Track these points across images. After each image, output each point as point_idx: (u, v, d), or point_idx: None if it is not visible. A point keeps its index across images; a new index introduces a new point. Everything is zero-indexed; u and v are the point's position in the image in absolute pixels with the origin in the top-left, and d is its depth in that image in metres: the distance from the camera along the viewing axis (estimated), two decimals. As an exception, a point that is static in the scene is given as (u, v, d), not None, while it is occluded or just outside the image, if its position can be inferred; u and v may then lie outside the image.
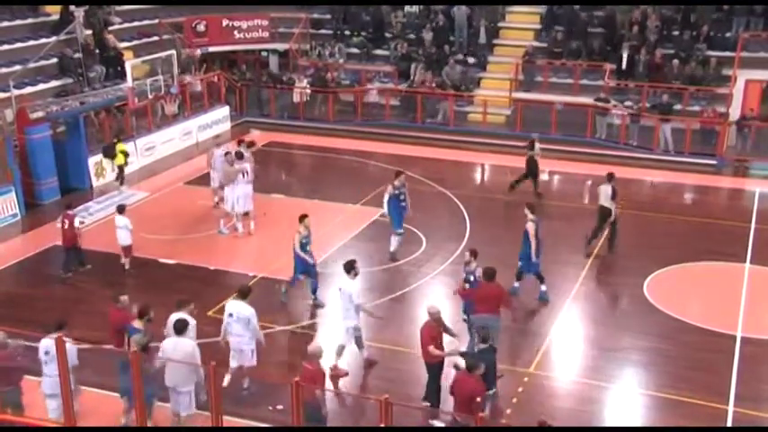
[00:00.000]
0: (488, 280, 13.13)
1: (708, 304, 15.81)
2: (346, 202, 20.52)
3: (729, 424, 12.17)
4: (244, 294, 12.63)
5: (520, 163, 24.50)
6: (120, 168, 21.83)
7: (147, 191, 21.28)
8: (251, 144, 20.46)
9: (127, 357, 11.21)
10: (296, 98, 28.72)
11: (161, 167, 23.68)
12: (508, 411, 12.42)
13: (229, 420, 11.46)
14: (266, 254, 17.66)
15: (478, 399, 10.52)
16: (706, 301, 16.03)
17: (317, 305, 15.45)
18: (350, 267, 13.32)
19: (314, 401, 10.71)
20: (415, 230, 18.73)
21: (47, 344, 11.56)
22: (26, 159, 20.54)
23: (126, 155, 21.91)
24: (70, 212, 16.89)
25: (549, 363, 13.94)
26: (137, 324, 11.85)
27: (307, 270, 15.35)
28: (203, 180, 21.58)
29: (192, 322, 11.95)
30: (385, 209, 17.52)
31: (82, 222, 17.44)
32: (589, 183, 23.18)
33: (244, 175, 18.39)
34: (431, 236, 18.50)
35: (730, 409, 12.48)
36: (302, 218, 15.26)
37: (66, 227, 16.72)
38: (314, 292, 15.53)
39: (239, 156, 18.62)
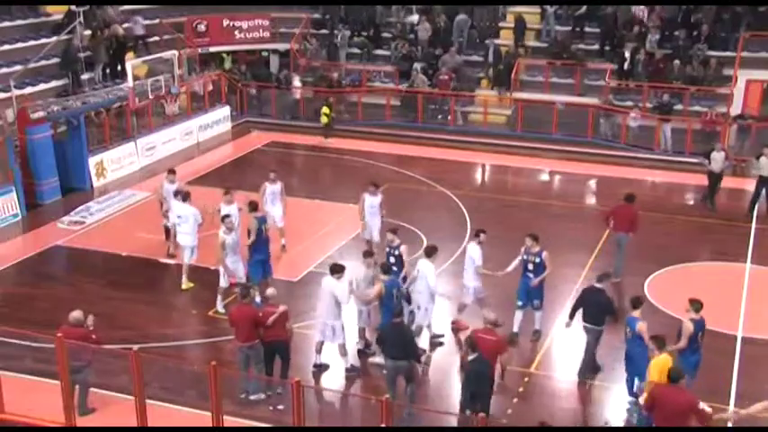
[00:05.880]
0: (628, 202, 16.44)
1: (708, 304, 15.67)
2: (347, 202, 20.47)
3: (730, 424, 12.15)
4: (429, 253, 13.82)
5: (520, 163, 24.61)
6: (326, 125, 26.26)
7: (148, 191, 21.25)
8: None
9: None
10: (296, 95, 28.90)
11: (162, 167, 23.62)
12: (509, 411, 12.42)
13: (229, 420, 11.48)
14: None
15: (700, 406, 10.04)
16: (707, 301, 15.78)
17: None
18: (338, 269, 13.13)
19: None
20: (416, 230, 18.72)
21: (178, 210, 15.98)
22: (27, 159, 20.52)
23: (327, 115, 26.24)
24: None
25: (550, 363, 13.94)
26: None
27: None
28: (204, 180, 21.60)
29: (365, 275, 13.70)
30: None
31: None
32: (592, 183, 23.24)
33: None
34: (431, 236, 18.45)
35: (731, 409, 12.45)
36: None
37: None
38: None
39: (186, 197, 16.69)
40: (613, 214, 16.64)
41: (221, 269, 15.01)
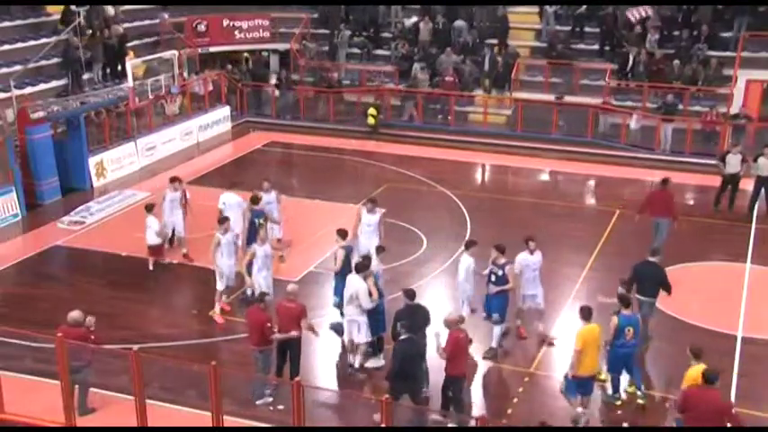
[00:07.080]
0: (663, 185, 17.16)
1: (708, 304, 15.80)
2: (347, 202, 20.48)
3: (730, 424, 12.14)
4: (468, 246, 14.11)
5: (520, 163, 24.61)
6: (372, 126, 26.61)
7: (148, 191, 21.27)
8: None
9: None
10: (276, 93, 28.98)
11: (162, 168, 23.65)
12: (509, 411, 12.43)
13: (229, 420, 11.48)
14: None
15: (734, 410, 10.18)
16: (706, 300, 16.01)
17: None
18: (362, 267, 13.16)
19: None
20: (416, 230, 18.74)
21: (224, 197, 16.33)
22: (27, 159, 20.51)
23: (374, 117, 26.55)
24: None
25: (550, 362, 13.93)
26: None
27: None
28: (204, 180, 21.58)
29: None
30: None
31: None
32: (591, 183, 23.27)
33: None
34: (431, 236, 18.49)
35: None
36: None
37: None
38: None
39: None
40: (649, 200, 17.49)
41: (256, 283, 14.45)
